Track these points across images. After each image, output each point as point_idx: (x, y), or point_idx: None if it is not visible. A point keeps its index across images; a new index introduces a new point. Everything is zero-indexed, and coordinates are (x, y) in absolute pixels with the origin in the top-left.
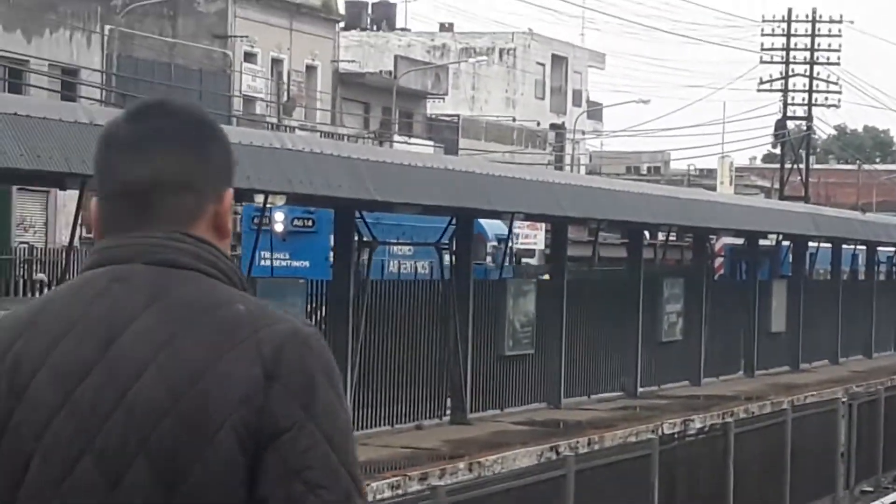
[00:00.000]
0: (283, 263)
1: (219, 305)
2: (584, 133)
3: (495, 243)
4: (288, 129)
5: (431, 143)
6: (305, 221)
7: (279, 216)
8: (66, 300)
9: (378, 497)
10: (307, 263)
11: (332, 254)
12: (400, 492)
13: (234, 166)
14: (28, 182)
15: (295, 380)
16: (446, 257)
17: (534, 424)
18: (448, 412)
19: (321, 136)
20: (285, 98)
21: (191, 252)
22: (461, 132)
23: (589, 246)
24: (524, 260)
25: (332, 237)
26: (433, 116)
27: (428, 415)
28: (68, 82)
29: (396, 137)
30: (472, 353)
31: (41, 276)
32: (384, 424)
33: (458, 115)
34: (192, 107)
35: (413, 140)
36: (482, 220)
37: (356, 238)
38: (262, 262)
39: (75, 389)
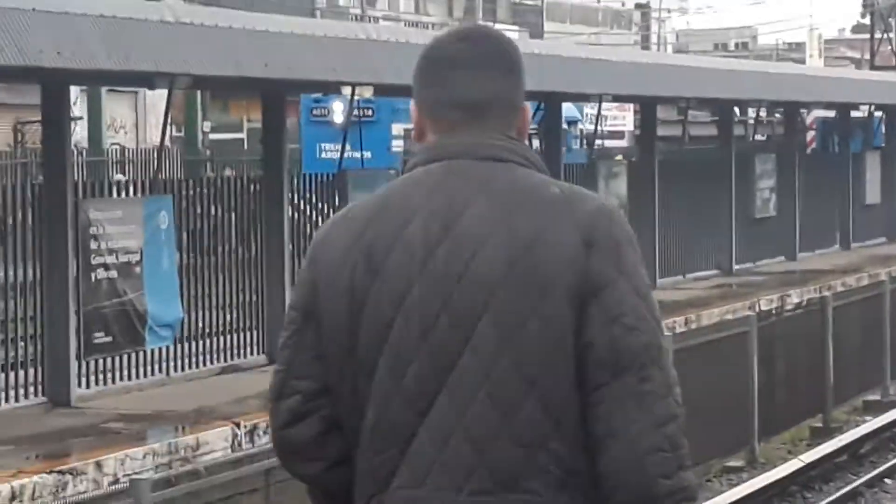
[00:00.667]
0: (344, 154)
1: (537, 188)
2: (669, 12)
3: (565, 126)
4: (372, 19)
5: (516, 27)
6: (365, 111)
7: (338, 106)
8: (408, 191)
9: None
10: (369, 154)
11: (394, 143)
12: None
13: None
14: (117, 83)
15: (607, 245)
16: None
17: None
18: None
19: (405, 26)
20: None
21: (509, 149)
22: (545, 15)
23: (678, 125)
24: (598, 142)
25: (392, 126)
26: (517, 1)
27: None
28: None
29: (481, 23)
30: None
31: (119, 176)
32: None
33: None
34: (502, 34)
35: (498, 25)
36: None
37: None
38: (323, 155)
39: (427, 263)
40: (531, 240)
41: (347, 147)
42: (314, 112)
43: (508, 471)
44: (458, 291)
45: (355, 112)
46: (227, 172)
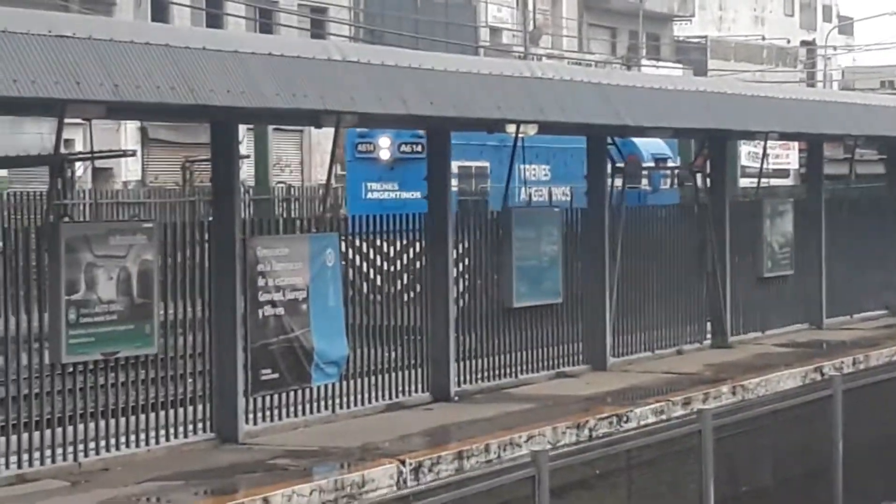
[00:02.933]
0: (391, 195)
1: None
2: (835, 48)
3: (651, 164)
4: (535, 57)
5: (680, 65)
6: (414, 147)
7: (384, 142)
8: None
9: (642, 422)
10: (418, 194)
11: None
12: (664, 416)
13: None
14: (284, 121)
15: None
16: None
17: (796, 346)
18: (708, 336)
19: (569, 64)
20: (531, 27)
21: None
22: (710, 53)
23: (844, 163)
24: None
25: None
26: (680, 39)
27: (688, 339)
28: (317, 20)
29: (644, 61)
30: (730, 276)
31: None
32: (645, 350)
33: (705, 37)
34: None
35: (661, 63)
36: (637, 140)
37: (609, 164)
38: (370, 195)
39: None
40: None
41: (395, 186)
42: (359, 147)
43: None
44: None
45: (402, 148)
46: None
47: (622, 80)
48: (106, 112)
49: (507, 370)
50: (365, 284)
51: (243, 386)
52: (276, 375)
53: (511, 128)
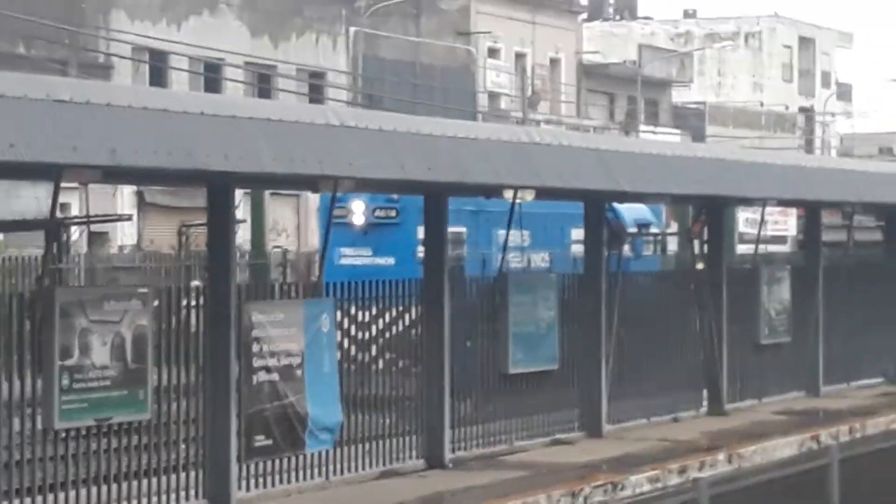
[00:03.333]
0: (366, 261)
1: None
2: (833, 115)
3: (634, 230)
4: (533, 123)
5: (678, 131)
6: (388, 212)
7: (358, 206)
8: None
9: (637, 491)
10: (392, 260)
11: (420, 248)
12: (660, 485)
13: None
14: (281, 186)
15: None
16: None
17: (793, 414)
18: (705, 403)
19: (567, 129)
20: (530, 92)
21: None
22: (708, 119)
23: (843, 230)
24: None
25: (419, 229)
26: (679, 104)
27: (685, 407)
28: (315, 85)
29: (642, 127)
30: (727, 343)
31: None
32: (640, 417)
33: (704, 102)
34: None
35: (659, 129)
36: (619, 206)
37: (606, 230)
38: (342, 261)
39: None
40: None
41: (369, 252)
42: (332, 213)
43: None
44: None
45: (376, 213)
46: None
47: (620, 146)
48: (102, 176)
49: (503, 437)
50: (358, 351)
51: (236, 452)
52: (269, 442)
53: (508, 193)
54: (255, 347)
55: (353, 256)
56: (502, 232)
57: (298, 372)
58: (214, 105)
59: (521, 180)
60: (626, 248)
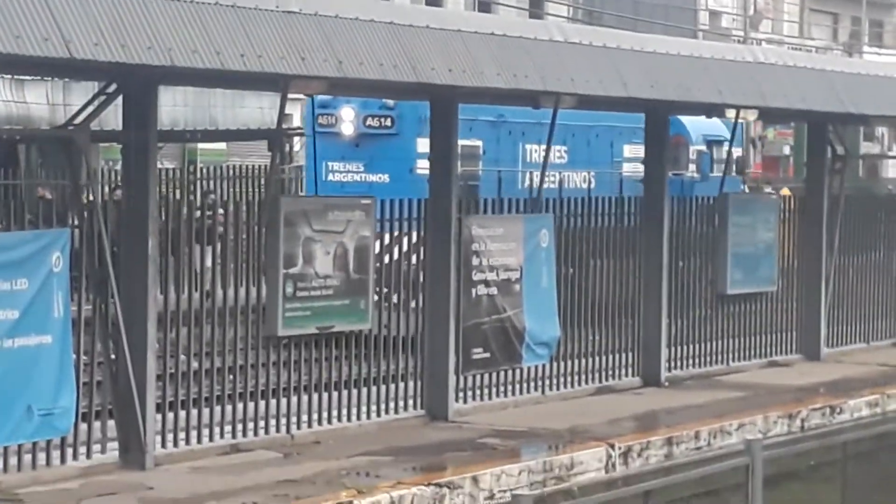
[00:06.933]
0: (356, 177)
1: None
2: None
3: (702, 147)
4: (755, 42)
5: None
6: (382, 120)
7: (348, 114)
8: None
9: (856, 415)
10: (386, 177)
11: (419, 163)
12: (878, 410)
13: None
14: (503, 101)
15: None
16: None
17: None
18: None
19: (789, 50)
20: (752, 11)
21: None
22: None
23: None
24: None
25: (419, 141)
26: None
27: None
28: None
29: (866, 48)
30: None
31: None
32: (860, 341)
33: None
34: None
35: (883, 50)
36: (683, 118)
37: (829, 153)
38: (331, 177)
39: None
40: None
41: (360, 167)
42: (320, 120)
43: None
44: None
45: (368, 122)
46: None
47: (846, 67)
48: (328, 88)
49: (719, 357)
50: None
51: (454, 364)
52: (487, 355)
53: (731, 113)
54: (475, 261)
55: (342, 172)
56: (529, 146)
57: (517, 286)
58: (440, 19)
59: (745, 100)
60: (692, 168)
